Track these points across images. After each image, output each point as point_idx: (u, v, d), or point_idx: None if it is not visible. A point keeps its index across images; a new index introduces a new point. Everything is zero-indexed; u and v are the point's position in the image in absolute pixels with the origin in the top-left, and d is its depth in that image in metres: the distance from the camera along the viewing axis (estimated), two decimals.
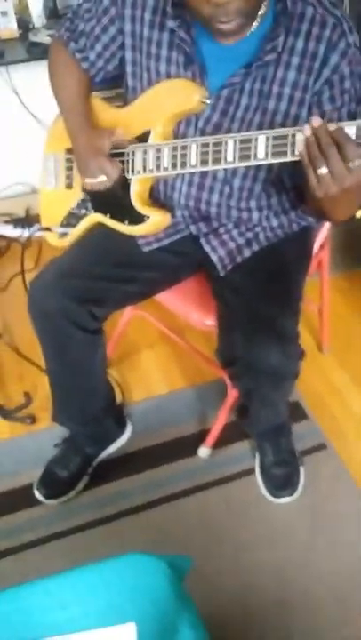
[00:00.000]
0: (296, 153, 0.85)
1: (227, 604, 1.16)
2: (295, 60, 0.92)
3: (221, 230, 1.13)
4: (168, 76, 1.00)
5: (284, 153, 0.87)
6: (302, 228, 1.17)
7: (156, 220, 1.06)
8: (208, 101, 0.97)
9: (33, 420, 1.49)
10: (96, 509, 1.31)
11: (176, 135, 1.03)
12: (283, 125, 0.96)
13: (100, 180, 1.04)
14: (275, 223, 1.13)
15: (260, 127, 0.97)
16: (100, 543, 1.26)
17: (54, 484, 1.31)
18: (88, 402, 1.22)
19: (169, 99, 0.99)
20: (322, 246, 1.31)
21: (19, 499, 1.32)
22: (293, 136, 0.86)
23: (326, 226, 1.25)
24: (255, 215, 1.10)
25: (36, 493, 1.31)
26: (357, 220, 0.93)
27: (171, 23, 0.95)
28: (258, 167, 1.01)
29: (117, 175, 1.04)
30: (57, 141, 1.19)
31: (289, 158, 0.87)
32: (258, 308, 1.03)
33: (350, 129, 0.81)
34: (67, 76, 1.10)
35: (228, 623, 1.14)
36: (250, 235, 1.12)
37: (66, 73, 1.10)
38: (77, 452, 1.33)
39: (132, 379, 1.59)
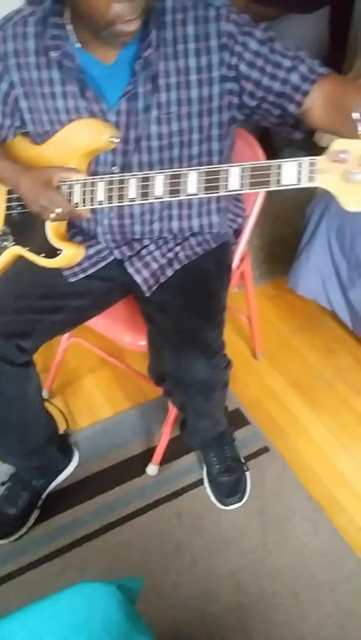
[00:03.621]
0: (230, 188, 0.86)
1: (187, 617, 1.18)
2: (191, 46, 0.97)
3: (144, 252, 1.17)
4: (68, 111, 1.03)
5: (216, 188, 0.89)
6: (220, 244, 1.23)
7: (68, 254, 1.08)
8: (117, 140, 1.02)
9: None
10: (50, 542, 1.31)
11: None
12: (177, 113, 1.00)
13: (58, 212, 1.01)
14: (193, 242, 1.18)
15: (157, 122, 1.01)
16: (57, 576, 1.25)
17: (4, 522, 1.30)
18: (27, 435, 1.22)
19: (80, 138, 1.03)
20: (242, 259, 1.37)
21: None
22: (226, 173, 0.88)
23: (244, 240, 1.32)
24: (175, 225, 1.14)
25: None
26: None
27: (53, 54, 0.98)
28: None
29: (67, 202, 1.01)
30: None
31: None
32: (182, 324, 1.08)
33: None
34: None
35: (191, 636, 1.16)
36: (171, 255, 1.17)
37: None
38: (24, 487, 1.32)
39: (76, 406, 1.60)
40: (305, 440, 1.50)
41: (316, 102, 0.94)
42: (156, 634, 0.83)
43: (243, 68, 0.98)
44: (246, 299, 1.56)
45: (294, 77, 0.95)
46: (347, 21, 2.04)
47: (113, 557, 1.28)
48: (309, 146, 1.91)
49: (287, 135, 1.05)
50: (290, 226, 1.87)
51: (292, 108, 0.96)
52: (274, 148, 2.10)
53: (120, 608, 0.80)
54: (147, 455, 1.44)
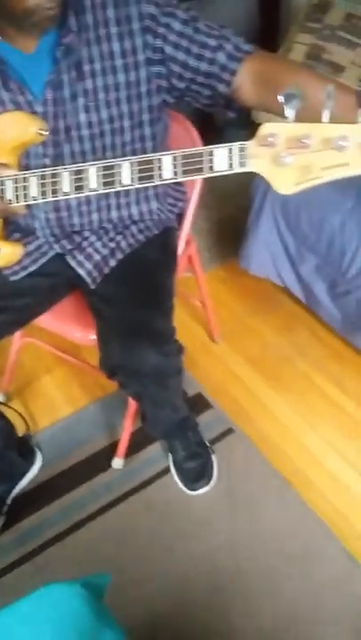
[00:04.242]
0: (164, 177, 0.85)
1: (164, 605, 1.19)
2: (113, 30, 0.94)
3: (85, 244, 1.14)
4: None
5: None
6: (163, 229, 1.21)
7: (6, 254, 1.04)
8: (46, 132, 0.98)
9: None
10: (20, 547, 1.28)
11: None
12: (106, 100, 0.98)
13: None
14: (134, 229, 1.16)
15: (86, 110, 0.99)
16: (30, 580, 1.23)
17: None
18: None
19: (7, 132, 0.99)
20: (187, 243, 1.36)
21: None
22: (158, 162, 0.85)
23: (187, 224, 1.30)
24: (114, 214, 1.12)
25: None
26: None
27: None
28: None
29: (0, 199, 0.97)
30: None
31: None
32: (129, 314, 1.06)
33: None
34: None
35: (170, 624, 1.16)
36: (112, 244, 1.15)
37: None
38: None
39: (35, 406, 1.56)
40: (269, 419, 1.51)
41: (245, 80, 0.93)
42: (133, 625, 0.85)
43: (168, 49, 0.96)
44: (197, 283, 1.55)
45: (221, 57, 0.94)
46: None
47: (85, 555, 1.27)
48: (250, 124, 1.91)
49: (220, 115, 1.03)
50: (237, 206, 1.86)
51: (221, 87, 0.95)
52: (216, 127, 2.09)
53: (86, 605, 0.80)
54: (111, 449, 1.43)
